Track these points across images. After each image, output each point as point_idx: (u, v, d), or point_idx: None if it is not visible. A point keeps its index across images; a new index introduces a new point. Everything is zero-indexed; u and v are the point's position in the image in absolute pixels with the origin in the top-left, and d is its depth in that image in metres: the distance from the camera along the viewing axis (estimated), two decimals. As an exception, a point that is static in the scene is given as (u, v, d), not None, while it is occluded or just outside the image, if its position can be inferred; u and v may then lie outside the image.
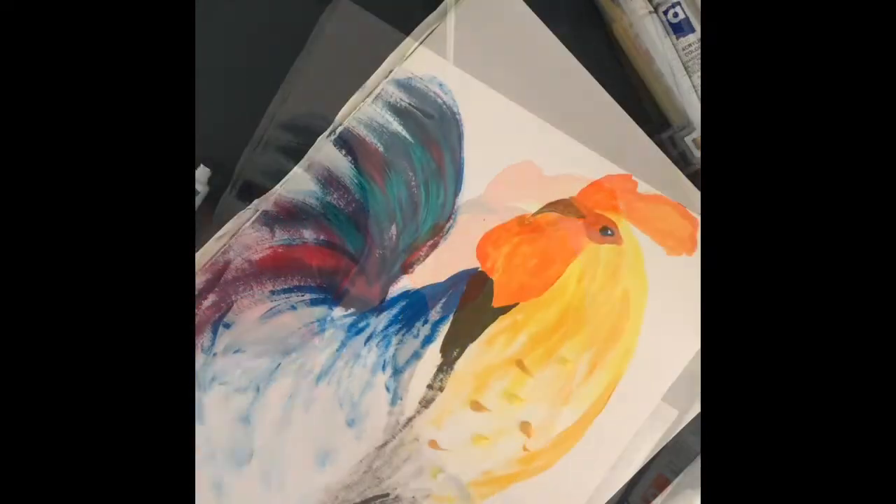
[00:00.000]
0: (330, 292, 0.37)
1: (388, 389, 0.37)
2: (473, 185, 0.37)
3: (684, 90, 0.40)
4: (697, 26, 0.40)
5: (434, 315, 0.37)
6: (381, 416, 0.37)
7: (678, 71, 0.40)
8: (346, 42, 0.37)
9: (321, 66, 0.37)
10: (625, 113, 0.38)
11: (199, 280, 0.36)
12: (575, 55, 0.37)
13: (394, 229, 0.37)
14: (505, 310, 0.38)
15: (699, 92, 0.40)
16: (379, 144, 0.36)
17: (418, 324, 0.37)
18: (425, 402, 0.38)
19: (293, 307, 0.37)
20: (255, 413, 0.37)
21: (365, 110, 0.36)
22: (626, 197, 0.38)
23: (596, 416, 0.38)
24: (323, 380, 0.37)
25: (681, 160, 0.40)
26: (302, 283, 0.37)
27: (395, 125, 0.36)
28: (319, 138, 0.36)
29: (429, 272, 0.37)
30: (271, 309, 0.37)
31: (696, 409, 0.39)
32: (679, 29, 0.40)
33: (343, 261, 0.37)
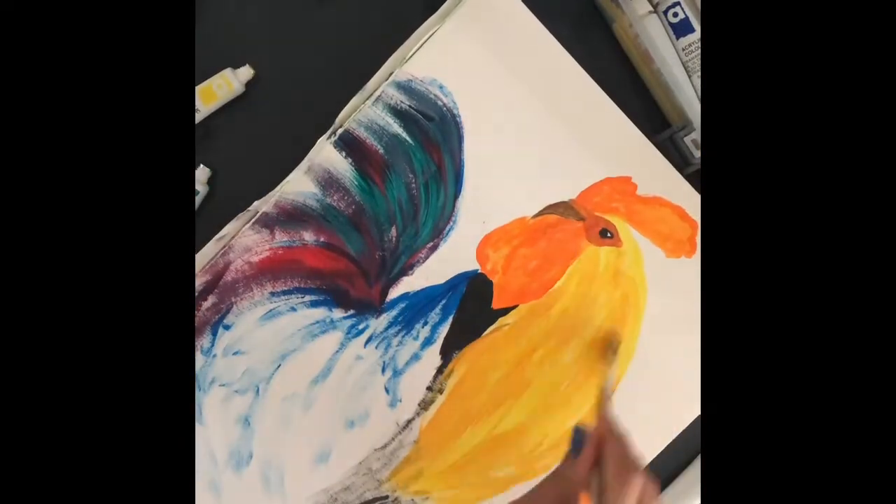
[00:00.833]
0: (330, 294, 0.37)
1: (387, 391, 0.37)
2: (473, 188, 0.37)
3: (684, 90, 0.40)
4: (697, 26, 0.40)
5: (434, 317, 0.37)
6: (381, 418, 0.37)
7: (678, 71, 0.40)
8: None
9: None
10: (624, 115, 0.38)
11: (199, 281, 0.36)
12: (575, 56, 0.37)
13: (394, 231, 0.37)
14: (505, 312, 0.38)
15: (699, 92, 0.40)
16: (379, 146, 0.36)
17: (418, 326, 0.37)
18: (425, 404, 0.38)
19: (293, 309, 0.37)
20: (254, 414, 0.37)
21: (365, 112, 0.36)
22: (626, 199, 0.38)
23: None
24: (322, 381, 0.37)
25: (681, 160, 0.40)
26: (302, 285, 0.36)
27: (396, 127, 0.36)
28: (320, 140, 0.36)
29: (429, 274, 0.37)
30: (271, 310, 0.36)
31: (696, 410, 0.39)
32: (679, 29, 0.40)
33: (343, 262, 0.37)
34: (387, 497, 0.38)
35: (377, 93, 0.36)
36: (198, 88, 0.38)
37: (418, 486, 0.38)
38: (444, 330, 0.37)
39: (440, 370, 0.38)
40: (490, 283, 0.38)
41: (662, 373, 0.39)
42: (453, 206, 0.37)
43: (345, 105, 0.36)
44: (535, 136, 0.37)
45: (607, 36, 0.41)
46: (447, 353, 0.38)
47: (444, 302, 0.37)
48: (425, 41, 0.36)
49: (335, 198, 0.36)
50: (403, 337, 0.37)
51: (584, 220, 0.38)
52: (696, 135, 0.40)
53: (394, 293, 0.37)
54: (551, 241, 0.38)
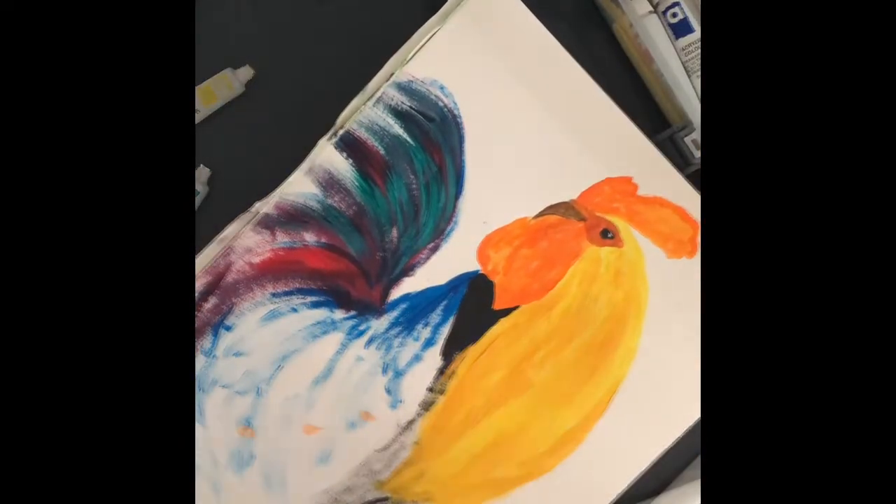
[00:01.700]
0: (331, 295, 0.37)
1: (388, 392, 0.37)
2: (474, 188, 0.37)
3: (684, 90, 0.40)
4: (696, 26, 0.40)
5: (435, 318, 0.37)
6: (382, 419, 0.37)
7: (678, 71, 0.40)
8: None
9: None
10: (625, 115, 0.38)
11: (200, 282, 0.36)
12: (575, 56, 0.37)
13: (395, 232, 0.37)
14: (506, 312, 0.38)
15: (699, 92, 0.40)
16: (380, 147, 0.36)
17: (419, 326, 0.37)
18: (426, 405, 0.38)
19: (294, 310, 0.37)
20: (255, 415, 0.37)
21: (366, 113, 0.36)
22: (627, 200, 0.38)
23: (597, 419, 0.38)
24: (323, 382, 0.37)
25: (681, 160, 0.40)
26: (303, 286, 0.36)
27: (397, 128, 0.36)
28: (321, 141, 0.36)
29: (430, 275, 0.37)
30: (272, 311, 0.36)
31: (697, 411, 0.39)
32: (678, 29, 0.40)
33: (344, 263, 0.37)
34: (388, 498, 0.38)
35: (378, 94, 0.36)
36: (197, 89, 0.38)
37: (420, 488, 0.38)
38: (446, 331, 0.37)
39: (441, 371, 0.38)
40: (491, 284, 0.38)
41: (664, 373, 0.39)
42: (454, 206, 0.37)
43: (345, 106, 0.36)
44: (536, 137, 0.37)
45: (607, 36, 0.41)
46: (448, 353, 0.38)
47: (445, 303, 0.37)
48: (426, 42, 0.36)
49: (336, 199, 0.36)
50: (404, 338, 0.37)
51: (585, 220, 0.38)
52: (696, 135, 0.40)
53: (395, 294, 0.37)
54: (552, 241, 0.38)
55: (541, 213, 0.38)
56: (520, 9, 0.37)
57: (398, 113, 0.36)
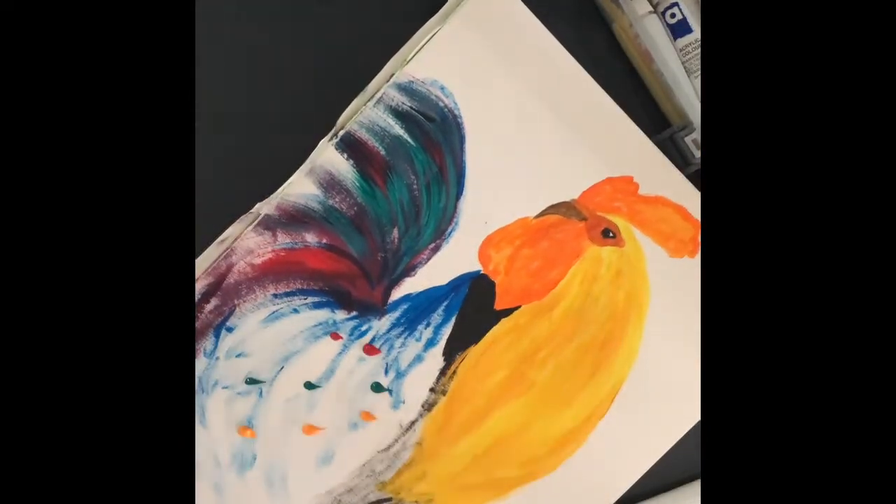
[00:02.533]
0: (332, 296, 0.37)
1: (390, 393, 0.37)
2: (475, 188, 0.37)
3: (684, 90, 0.40)
4: (695, 27, 0.40)
5: (436, 318, 0.37)
6: (384, 420, 0.37)
7: (678, 71, 0.40)
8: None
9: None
10: (626, 115, 0.38)
11: (201, 284, 0.36)
12: (575, 56, 0.37)
13: (396, 232, 0.37)
14: (507, 312, 0.38)
15: (699, 92, 0.40)
16: (381, 148, 0.36)
17: (420, 327, 0.37)
18: (428, 406, 0.38)
19: (295, 311, 0.37)
20: (257, 416, 0.37)
21: (367, 114, 0.36)
22: (628, 199, 0.38)
23: (598, 420, 0.38)
24: (325, 383, 0.37)
25: (681, 160, 0.40)
26: (304, 287, 0.36)
27: (397, 128, 0.36)
28: (321, 142, 0.36)
29: (431, 275, 0.37)
30: (273, 312, 0.36)
31: (698, 412, 0.39)
32: (677, 29, 0.40)
33: (345, 264, 0.37)
34: (390, 499, 0.38)
35: (378, 94, 0.36)
36: (198, 90, 0.38)
37: (422, 488, 0.38)
38: (447, 331, 0.37)
39: (443, 371, 0.38)
40: (492, 284, 0.38)
41: (666, 373, 0.39)
42: (455, 206, 0.37)
43: (346, 106, 0.36)
44: (537, 137, 0.37)
45: (607, 36, 0.41)
46: (450, 354, 0.38)
47: (446, 303, 0.37)
48: (426, 42, 0.36)
49: (337, 199, 0.36)
50: (406, 338, 0.37)
51: (586, 220, 0.38)
52: (697, 135, 0.40)
53: (396, 294, 0.37)
54: (553, 241, 0.38)
55: (542, 213, 0.38)
56: (520, 9, 0.37)
57: (399, 113, 0.36)
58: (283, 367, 0.37)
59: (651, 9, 0.40)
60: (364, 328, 0.37)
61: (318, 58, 0.40)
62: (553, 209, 0.38)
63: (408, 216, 0.37)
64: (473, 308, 0.37)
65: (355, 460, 0.37)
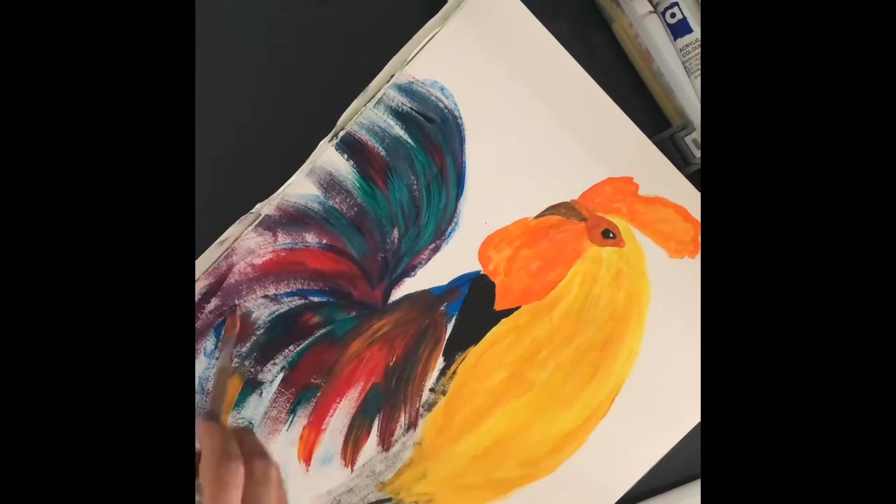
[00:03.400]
0: (332, 296, 0.37)
1: (390, 393, 0.37)
2: (475, 189, 0.37)
3: (684, 90, 0.40)
4: (695, 27, 0.40)
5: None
6: (385, 420, 0.38)
7: (679, 71, 0.40)
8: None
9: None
10: (626, 115, 0.38)
11: (202, 284, 0.36)
12: (575, 56, 0.37)
13: (396, 233, 0.37)
14: (507, 313, 0.38)
15: (699, 92, 0.40)
16: (381, 148, 0.36)
17: (421, 327, 0.37)
18: (428, 406, 0.38)
19: (296, 311, 0.37)
20: (257, 416, 0.37)
21: (367, 115, 0.36)
22: (628, 200, 0.38)
23: (599, 420, 0.38)
24: (325, 384, 0.37)
25: (681, 160, 0.40)
26: (304, 287, 0.36)
27: (397, 129, 0.36)
28: (322, 142, 0.36)
29: (431, 275, 0.37)
30: (274, 313, 0.36)
31: (698, 413, 0.39)
32: (677, 29, 0.40)
33: (345, 264, 0.37)
34: (390, 500, 0.38)
35: (378, 95, 0.36)
36: (198, 90, 0.38)
37: (422, 489, 0.38)
38: (447, 331, 0.37)
39: (443, 372, 0.38)
40: (492, 285, 0.38)
41: (667, 374, 0.39)
42: (455, 207, 0.37)
43: (346, 106, 0.36)
44: (537, 137, 0.37)
45: (607, 36, 0.41)
46: (450, 354, 0.38)
47: (446, 303, 0.37)
48: (426, 43, 0.36)
49: (337, 200, 0.36)
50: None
51: (586, 220, 0.38)
52: (697, 135, 0.40)
53: (396, 294, 0.37)
54: (553, 241, 0.38)
55: (542, 214, 0.38)
56: (520, 9, 0.36)
57: (399, 114, 0.36)
58: (283, 368, 0.37)
59: (651, 9, 0.40)
60: (364, 328, 0.37)
61: (318, 58, 0.40)
62: (553, 210, 0.38)
63: (408, 216, 0.37)
64: (473, 308, 0.37)
65: (355, 460, 0.37)
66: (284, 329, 0.37)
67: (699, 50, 0.40)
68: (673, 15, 0.40)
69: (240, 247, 0.36)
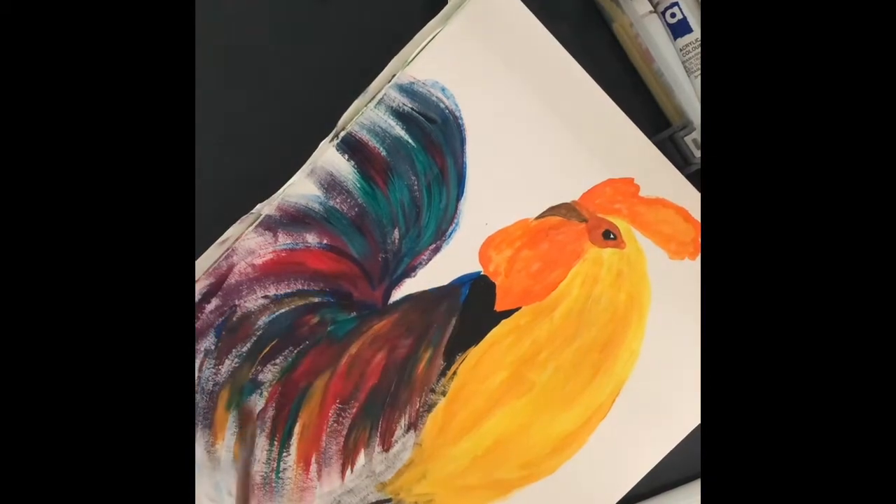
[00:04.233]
0: (333, 296, 0.37)
1: (391, 393, 0.37)
2: (476, 190, 0.37)
3: (685, 90, 0.40)
4: (695, 26, 0.40)
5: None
6: (385, 421, 0.38)
7: (679, 71, 0.40)
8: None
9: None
10: (626, 116, 0.38)
11: (202, 284, 0.36)
12: (575, 56, 0.37)
13: (396, 233, 0.37)
14: (508, 314, 0.38)
15: (699, 92, 0.40)
16: (382, 149, 0.36)
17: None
18: (428, 407, 0.38)
19: (296, 311, 0.37)
20: (258, 417, 0.37)
21: (368, 115, 0.36)
22: (629, 200, 0.38)
23: (599, 421, 0.38)
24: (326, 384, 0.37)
25: (681, 160, 0.40)
26: (305, 287, 0.36)
27: (398, 129, 0.36)
28: (322, 143, 0.36)
29: (431, 276, 0.37)
30: (274, 313, 0.36)
31: (699, 415, 0.39)
32: (677, 29, 0.40)
33: (346, 265, 0.37)
34: (390, 500, 0.38)
35: (379, 95, 0.36)
36: (197, 91, 0.38)
37: (422, 489, 0.38)
38: (448, 332, 0.37)
39: (443, 372, 0.38)
40: (493, 285, 0.38)
41: (668, 375, 0.39)
42: (455, 207, 0.37)
43: (347, 107, 0.36)
44: (537, 138, 0.37)
45: (607, 36, 0.41)
46: (450, 355, 0.38)
47: (447, 304, 0.37)
48: (427, 44, 0.36)
49: (338, 200, 0.36)
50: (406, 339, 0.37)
51: (587, 221, 0.38)
52: (697, 135, 0.40)
53: (396, 295, 0.37)
54: (554, 242, 0.38)
55: (542, 215, 0.38)
56: (520, 10, 0.37)
57: (400, 114, 0.36)
58: (283, 369, 0.37)
59: (651, 8, 0.40)
60: (365, 329, 0.37)
61: (318, 58, 0.40)
62: (553, 210, 0.38)
63: (408, 217, 0.37)
64: (474, 309, 0.37)
65: (355, 461, 0.37)
66: (285, 329, 0.37)
67: (699, 50, 0.40)
68: (673, 15, 0.40)
69: (240, 247, 0.36)
